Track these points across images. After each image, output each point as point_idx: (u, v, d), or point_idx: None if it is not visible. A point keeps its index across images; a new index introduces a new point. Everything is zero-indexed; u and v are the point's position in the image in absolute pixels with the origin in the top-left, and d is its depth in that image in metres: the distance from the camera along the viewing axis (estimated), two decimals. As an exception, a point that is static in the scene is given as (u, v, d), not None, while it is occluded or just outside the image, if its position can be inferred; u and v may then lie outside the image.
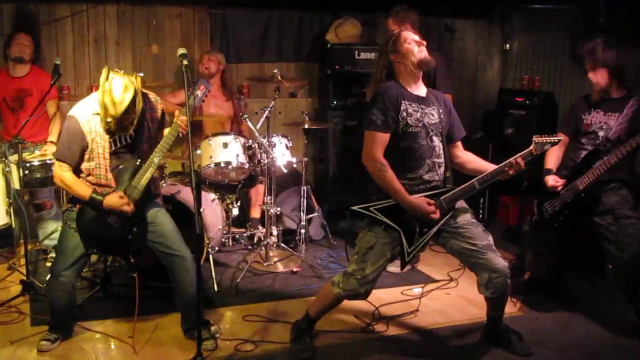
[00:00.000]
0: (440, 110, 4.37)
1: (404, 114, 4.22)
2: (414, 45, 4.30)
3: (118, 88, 4.20)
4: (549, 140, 4.30)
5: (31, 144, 6.04)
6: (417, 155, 4.26)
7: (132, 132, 4.44)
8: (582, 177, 5.02)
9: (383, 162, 4.20)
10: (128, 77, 4.28)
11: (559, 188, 5.16)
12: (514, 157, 4.26)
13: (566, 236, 5.29)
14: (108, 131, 4.37)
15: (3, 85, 6.31)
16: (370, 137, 4.24)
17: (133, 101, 4.24)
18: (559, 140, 4.35)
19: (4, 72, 6.37)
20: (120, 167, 4.47)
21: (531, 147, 4.29)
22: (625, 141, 4.85)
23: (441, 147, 4.34)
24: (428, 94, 4.39)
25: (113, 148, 4.45)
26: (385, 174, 4.19)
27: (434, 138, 4.30)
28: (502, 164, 4.29)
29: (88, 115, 4.38)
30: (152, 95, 4.63)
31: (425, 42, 4.37)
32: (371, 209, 4.29)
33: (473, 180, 4.29)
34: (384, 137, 4.21)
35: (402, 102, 4.23)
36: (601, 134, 5.09)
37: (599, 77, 5.11)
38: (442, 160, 4.35)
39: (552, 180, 5.19)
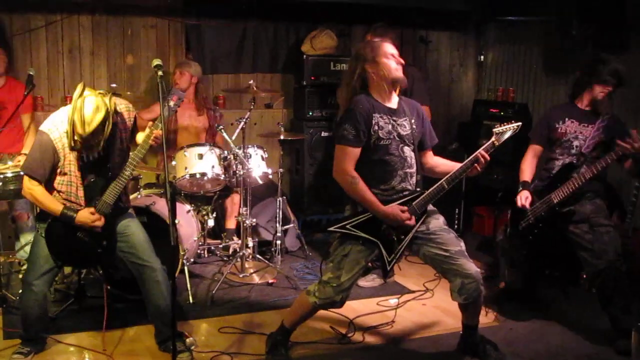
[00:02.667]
0: (413, 120, 4.39)
1: (376, 127, 4.24)
2: (392, 61, 4.30)
3: (89, 107, 4.14)
4: (508, 128, 4.30)
5: (7, 155, 5.98)
6: (389, 167, 4.29)
7: (100, 148, 4.40)
8: (556, 190, 5.06)
9: (354, 175, 4.22)
10: (102, 97, 4.22)
11: (528, 205, 5.19)
12: (477, 151, 4.27)
13: (540, 248, 5.32)
14: (73, 148, 4.33)
15: None
16: (341, 151, 4.26)
17: (103, 123, 4.18)
18: (519, 126, 4.33)
19: None
20: (92, 180, 4.45)
21: (492, 139, 4.29)
22: (598, 155, 4.91)
23: (413, 156, 4.37)
24: (400, 105, 4.40)
25: (84, 161, 4.42)
26: (357, 186, 4.21)
27: (405, 149, 4.33)
28: (467, 160, 4.30)
29: (60, 131, 4.34)
30: (124, 105, 4.59)
31: (403, 62, 4.38)
32: (348, 226, 4.31)
33: (441, 180, 4.31)
34: (355, 152, 4.23)
35: (374, 115, 4.25)
36: (576, 143, 5.13)
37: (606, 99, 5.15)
38: (414, 170, 4.38)
39: (521, 200, 5.22)
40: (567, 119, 5.22)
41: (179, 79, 6.82)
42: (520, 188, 5.27)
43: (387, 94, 4.35)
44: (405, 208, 4.25)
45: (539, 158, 5.41)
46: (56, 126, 4.36)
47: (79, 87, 4.23)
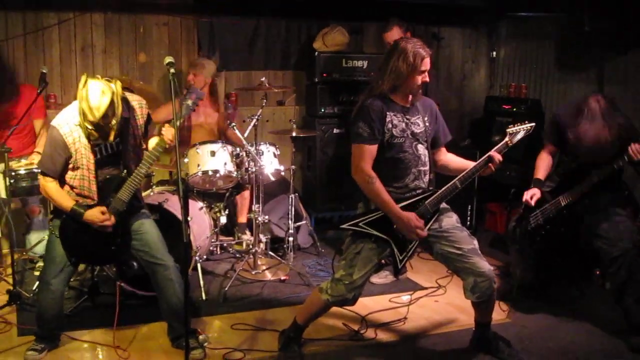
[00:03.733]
0: (426, 118, 4.39)
1: (389, 125, 4.24)
2: (421, 79, 4.28)
3: (94, 93, 4.15)
4: (522, 128, 4.30)
5: (18, 159, 5.98)
6: (403, 165, 4.29)
7: (116, 140, 4.42)
8: (565, 193, 5.06)
9: (372, 174, 4.21)
10: (105, 82, 4.24)
11: (534, 202, 5.19)
12: (491, 151, 4.28)
13: (549, 247, 5.31)
14: (89, 139, 4.33)
15: None
16: (358, 150, 4.25)
17: (111, 105, 4.18)
18: (532, 126, 4.33)
19: None
20: (107, 177, 4.46)
21: (506, 139, 4.32)
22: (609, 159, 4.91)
23: (426, 154, 4.37)
24: (413, 103, 4.40)
25: (98, 157, 4.44)
26: (373, 186, 4.21)
27: (419, 147, 4.33)
28: (480, 160, 4.32)
29: (71, 125, 4.35)
30: (136, 101, 4.59)
31: (428, 80, 4.37)
32: (360, 224, 4.32)
33: (454, 180, 4.31)
34: (371, 149, 4.23)
35: (387, 113, 4.25)
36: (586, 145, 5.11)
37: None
38: (427, 168, 4.39)
39: (526, 195, 5.24)
40: (580, 123, 5.19)
41: (193, 80, 6.81)
42: (532, 185, 5.27)
43: (404, 95, 4.34)
44: (422, 221, 4.24)
45: (554, 156, 5.40)
46: (66, 121, 4.37)
47: (83, 78, 4.24)
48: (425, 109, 4.43)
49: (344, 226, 4.40)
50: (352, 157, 4.30)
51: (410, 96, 4.34)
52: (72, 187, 4.47)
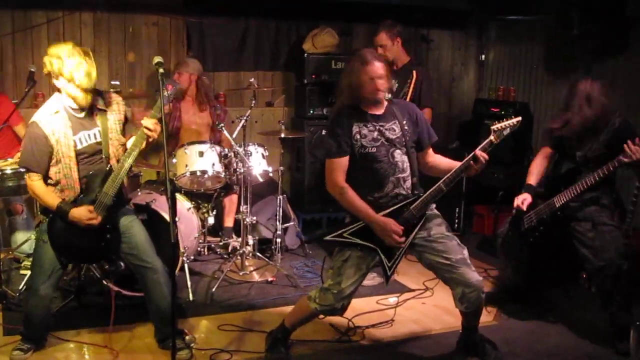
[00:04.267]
0: (404, 122, 4.37)
1: (357, 136, 4.27)
2: (375, 85, 4.27)
3: (64, 48, 4.30)
4: (507, 125, 4.24)
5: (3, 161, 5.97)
6: (379, 175, 4.29)
7: (96, 132, 4.46)
8: (559, 195, 5.06)
9: (343, 185, 4.25)
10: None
11: (525, 207, 5.21)
12: (474, 151, 4.23)
13: (541, 249, 5.32)
14: (69, 120, 4.38)
15: None
16: (329, 165, 4.31)
17: (75, 48, 4.30)
18: (518, 121, 4.25)
19: None
20: (90, 173, 4.45)
21: (491, 137, 4.23)
22: (605, 158, 4.89)
23: (405, 160, 4.35)
24: (388, 109, 4.39)
25: (79, 147, 4.42)
26: (346, 196, 4.25)
27: (396, 153, 4.31)
28: (464, 160, 4.26)
29: (47, 116, 4.36)
30: (114, 96, 4.64)
31: (388, 86, 4.37)
32: (345, 234, 4.32)
33: (439, 182, 4.27)
34: (341, 162, 4.27)
35: (354, 124, 4.27)
36: (579, 153, 5.11)
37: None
38: (407, 174, 4.36)
39: (517, 200, 5.25)
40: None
41: (178, 79, 6.79)
42: (523, 190, 5.28)
43: (375, 102, 4.35)
44: (401, 228, 4.24)
45: (550, 160, 5.40)
46: (43, 113, 4.39)
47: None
48: (402, 113, 4.41)
49: (328, 238, 4.40)
50: (325, 173, 4.35)
51: (385, 103, 4.36)
52: (56, 184, 4.45)
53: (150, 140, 4.43)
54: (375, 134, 4.28)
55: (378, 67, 4.28)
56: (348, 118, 4.29)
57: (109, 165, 4.48)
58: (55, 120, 4.35)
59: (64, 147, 4.37)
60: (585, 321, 5.35)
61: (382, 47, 6.30)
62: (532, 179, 5.32)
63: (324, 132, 7.60)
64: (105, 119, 4.51)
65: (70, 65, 4.23)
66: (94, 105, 4.46)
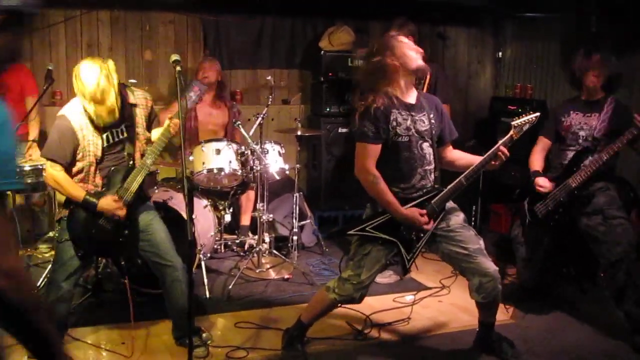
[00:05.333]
0: (432, 115, 4.36)
1: (394, 123, 4.21)
2: (412, 51, 4.27)
3: (85, 68, 4.23)
4: (526, 120, 4.25)
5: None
6: (408, 165, 4.27)
7: (122, 127, 4.47)
8: (573, 175, 5.07)
9: (375, 174, 4.20)
10: (93, 59, 4.30)
11: (548, 190, 5.22)
12: (496, 146, 4.24)
13: (559, 240, 5.31)
14: (98, 127, 4.35)
15: None
16: (362, 149, 4.24)
17: (102, 73, 4.23)
18: (537, 117, 4.29)
19: None
20: (112, 168, 4.47)
21: (511, 132, 4.25)
22: (609, 138, 4.93)
23: (431, 152, 4.34)
24: (419, 100, 4.37)
25: (106, 144, 4.44)
26: (377, 186, 4.20)
27: (424, 145, 4.30)
28: (485, 156, 4.27)
29: (77, 113, 4.37)
30: (140, 93, 4.65)
31: (421, 50, 4.36)
32: (367, 228, 4.31)
33: (460, 177, 4.29)
34: (375, 149, 4.21)
35: (392, 111, 4.22)
36: (582, 133, 5.19)
37: (599, 81, 5.18)
38: (432, 167, 4.36)
39: (542, 181, 5.27)
40: (571, 112, 5.28)
41: (207, 72, 6.84)
42: (533, 177, 5.30)
43: (407, 88, 4.32)
44: (424, 211, 4.24)
45: (547, 152, 5.47)
46: (72, 109, 4.39)
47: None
48: (430, 106, 4.41)
49: (351, 232, 4.39)
50: (355, 156, 4.29)
51: (415, 92, 4.34)
52: (79, 177, 4.47)
53: (173, 132, 4.45)
54: (409, 122, 4.25)
55: (404, 37, 4.34)
56: (388, 103, 4.23)
57: (131, 161, 4.51)
58: (84, 117, 4.37)
59: (91, 145, 4.40)
60: (602, 318, 5.33)
61: None
62: (537, 166, 5.42)
63: (340, 129, 7.63)
64: (133, 114, 4.54)
65: (89, 97, 4.22)
66: (124, 100, 4.46)
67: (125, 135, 4.51)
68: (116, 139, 4.49)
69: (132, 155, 4.54)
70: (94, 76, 4.19)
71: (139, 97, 4.61)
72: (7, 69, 6.27)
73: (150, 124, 4.71)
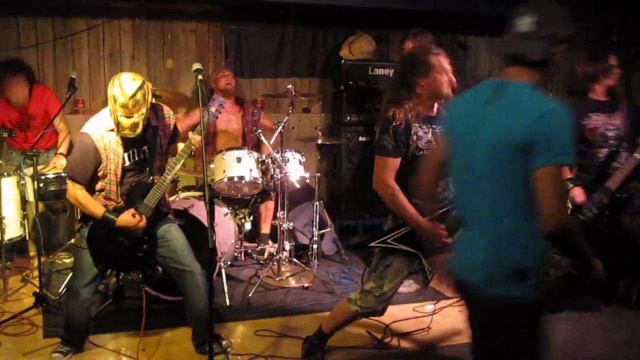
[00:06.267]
0: None
1: (414, 137, 4.18)
2: (446, 79, 4.20)
3: (126, 78, 4.25)
4: None
5: (43, 150, 6.07)
6: None
7: (144, 148, 4.49)
8: (611, 178, 5.06)
9: (394, 187, 4.17)
10: (137, 74, 4.34)
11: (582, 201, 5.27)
12: None
13: (614, 233, 5.32)
14: (119, 130, 4.33)
15: (5, 113, 6.38)
16: (381, 162, 4.21)
17: (141, 89, 4.25)
18: None
19: (2, 102, 6.42)
20: (133, 184, 4.50)
21: None
22: (633, 135, 5.02)
23: None
24: (439, 112, 4.34)
25: (127, 163, 4.48)
26: (396, 198, 4.16)
27: None
28: None
29: (102, 131, 4.39)
30: (165, 109, 4.66)
31: (455, 82, 4.29)
32: (389, 240, 4.29)
33: None
34: (394, 162, 4.19)
35: (413, 125, 4.19)
36: (610, 134, 5.19)
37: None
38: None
39: (578, 192, 5.31)
40: (590, 114, 5.27)
41: (229, 79, 6.92)
42: (571, 185, 5.30)
43: (429, 102, 4.28)
44: (443, 226, 4.22)
45: None
46: (97, 126, 4.41)
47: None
48: None
49: (372, 244, 4.36)
50: (374, 169, 4.27)
51: (436, 104, 4.31)
52: (99, 192, 4.51)
53: (192, 153, 4.48)
54: (429, 136, 4.22)
55: (447, 60, 4.25)
56: (407, 117, 4.18)
57: (151, 178, 4.54)
58: (108, 137, 4.39)
59: (112, 164, 4.43)
60: (624, 330, 5.30)
61: None
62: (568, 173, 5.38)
63: (360, 138, 7.63)
64: (155, 135, 4.56)
65: (121, 104, 4.23)
66: (148, 122, 4.46)
67: (147, 155, 4.55)
68: (137, 159, 4.52)
69: (152, 173, 4.57)
70: (133, 87, 4.22)
71: (164, 115, 4.64)
72: (30, 94, 6.38)
73: (173, 140, 4.75)
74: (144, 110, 4.28)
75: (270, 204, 6.80)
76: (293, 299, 5.93)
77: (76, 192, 4.44)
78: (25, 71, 6.44)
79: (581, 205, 5.26)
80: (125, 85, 4.21)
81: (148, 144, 4.52)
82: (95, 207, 4.44)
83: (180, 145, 4.61)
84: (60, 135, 6.50)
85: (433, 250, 4.26)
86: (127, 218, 4.42)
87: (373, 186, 4.26)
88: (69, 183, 4.50)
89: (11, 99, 6.33)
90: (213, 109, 4.62)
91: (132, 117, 4.25)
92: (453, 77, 4.26)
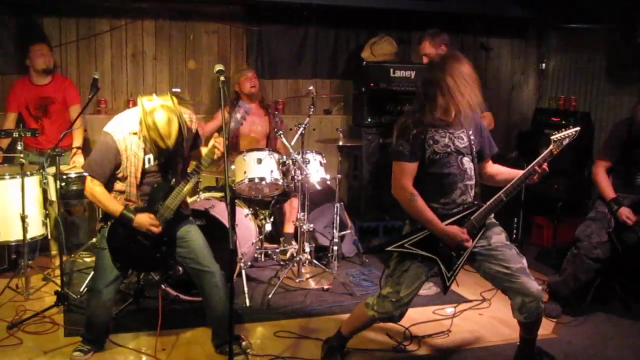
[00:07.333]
0: (470, 132, 4.31)
1: (430, 141, 4.17)
2: (465, 99, 4.10)
3: (162, 121, 4.21)
4: (566, 135, 4.18)
5: (60, 149, 6.12)
6: (448, 180, 4.23)
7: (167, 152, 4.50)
8: None
9: (413, 191, 4.17)
10: (167, 107, 4.27)
11: (634, 221, 5.25)
12: (535, 161, 4.17)
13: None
14: (144, 142, 4.38)
15: (27, 93, 6.46)
16: (398, 167, 4.22)
17: (180, 131, 4.29)
18: (577, 131, 4.20)
19: (26, 81, 6.51)
20: (155, 185, 4.52)
21: (550, 147, 4.17)
22: None
23: (472, 167, 4.29)
24: (456, 117, 4.27)
25: (147, 166, 4.50)
26: (415, 203, 4.17)
27: (464, 160, 4.25)
28: (524, 171, 4.21)
29: (125, 133, 4.40)
30: (187, 115, 4.63)
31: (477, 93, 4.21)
32: (406, 245, 4.28)
33: (499, 193, 4.22)
34: (411, 167, 4.18)
35: (429, 130, 4.18)
36: None
37: None
38: (473, 182, 4.31)
39: (628, 212, 5.29)
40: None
41: (253, 81, 6.94)
42: (616, 207, 5.32)
43: (448, 108, 4.20)
44: (465, 230, 4.20)
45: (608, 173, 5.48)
46: (120, 127, 4.42)
47: (139, 101, 4.30)
48: (469, 122, 4.35)
49: (389, 248, 4.34)
50: (392, 175, 4.26)
51: (454, 111, 4.27)
52: (120, 193, 4.53)
53: (215, 157, 4.49)
54: (447, 140, 4.21)
55: (473, 72, 4.17)
56: (422, 122, 4.18)
57: (172, 180, 4.55)
58: (131, 139, 4.41)
59: (132, 166, 4.44)
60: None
61: (426, 55, 6.20)
62: (612, 191, 5.39)
63: (381, 140, 7.61)
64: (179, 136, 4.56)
65: (157, 135, 4.24)
66: None
67: (168, 158, 4.55)
68: (157, 162, 4.53)
69: (173, 176, 4.58)
70: (173, 132, 4.25)
71: (185, 119, 4.58)
72: (51, 82, 6.45)
73: (195, 145, 4.76)
74: (180, 140, 4.37)
75: (295, 202, 6.78)
76: (313, 300, 5.93)
77: (94, 187, 4.46)
78: (47, 41, 6.68)
79: (626, 228, 5.25)
80: (164, 131, 4.21)
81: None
82: (113, 204, 4.46)
83: (204, 150, 4.62)
84: (78, 132, 6.50)
85: (451, 256, 4.26)
86: (144, 218, 4.44)
87: (392, 191, 4.26)
88: (87, 179, 4.51)
89: (38, 63, 6.40)
90: (238, 116, 4.61)
91: (166, 142, 4.29)
92: (477, 91, 4.15)
